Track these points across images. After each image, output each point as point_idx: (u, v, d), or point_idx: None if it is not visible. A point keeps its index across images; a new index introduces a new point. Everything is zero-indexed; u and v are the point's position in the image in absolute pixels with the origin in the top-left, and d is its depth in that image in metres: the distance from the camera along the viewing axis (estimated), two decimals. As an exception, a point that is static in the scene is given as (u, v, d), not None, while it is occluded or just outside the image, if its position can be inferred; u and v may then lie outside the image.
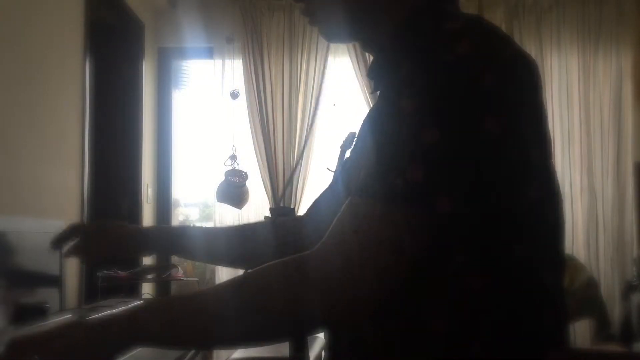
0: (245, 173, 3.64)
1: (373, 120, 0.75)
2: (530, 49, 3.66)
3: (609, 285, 3.52)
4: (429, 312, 0.68)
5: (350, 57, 3.63)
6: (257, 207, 3.71)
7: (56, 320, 1.95)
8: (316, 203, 1.03)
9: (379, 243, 0.64)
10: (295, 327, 0.70)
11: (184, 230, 1.13)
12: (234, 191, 3.57)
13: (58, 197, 2.55)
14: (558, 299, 0.73)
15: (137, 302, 1.91)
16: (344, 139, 0.94)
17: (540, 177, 0.71)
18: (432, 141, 0.62)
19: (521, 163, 0.67)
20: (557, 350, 0.73)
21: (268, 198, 3.65)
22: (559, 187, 0.76)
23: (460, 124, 0.63)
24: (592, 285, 3.12)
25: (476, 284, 0.67)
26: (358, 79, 3.64)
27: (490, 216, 0.66)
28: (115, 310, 0.97)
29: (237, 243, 1.07)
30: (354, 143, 0.91)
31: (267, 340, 0.72)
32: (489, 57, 0.66)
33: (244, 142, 3.70)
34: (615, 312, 3.45)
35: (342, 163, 0.93)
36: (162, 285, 3.51)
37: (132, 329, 0.68)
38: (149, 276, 3.07)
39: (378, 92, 0.81)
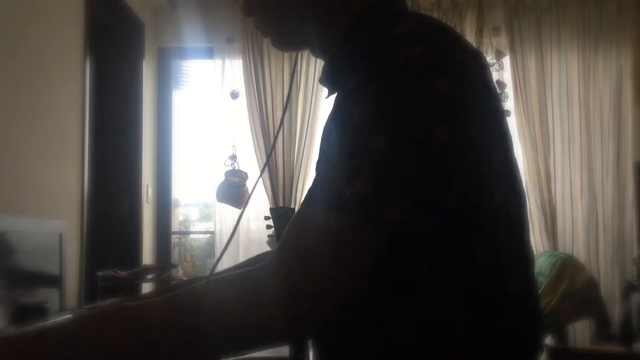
0: (245, 173, 3.64)
1: (326, 129, 0.73)
2: (530, 49, 3.66)
3: (609, 285, 3.52)
4: (399, 319, 0.67)
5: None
6: (257, 207, 3.71)
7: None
8: None
9: (331, 258, 0.62)
10: (256, 336, 0.65)
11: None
12: (234, 191, 3.57)
13: (58, 197, 2.55)
14: (526, 300, 0.72)
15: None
16: None
17: (503, 177, 0.70)
18: (380, 149, 0.60)
19: (481, 166, 0.66)
20: (531, 351, 0.72)
21: (268, 198, 3.65)
22: (521, 185, 0.74)
23: (410, 131, 0.61)
24: (592, 285, 3.12)
25: (443, 289, 0.66)
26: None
27: (453, 222, 0.65)
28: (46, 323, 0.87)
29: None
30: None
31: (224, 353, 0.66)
32: (442, 60, 0.64)
33: (244, 142, 3.70)
34: (615, 312, 3.45)
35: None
36: (162, 285, 3.51)
37: (68, 344, 0.63)
38: (149, 276, 3.07)
39: (334, 98, 0.78)
